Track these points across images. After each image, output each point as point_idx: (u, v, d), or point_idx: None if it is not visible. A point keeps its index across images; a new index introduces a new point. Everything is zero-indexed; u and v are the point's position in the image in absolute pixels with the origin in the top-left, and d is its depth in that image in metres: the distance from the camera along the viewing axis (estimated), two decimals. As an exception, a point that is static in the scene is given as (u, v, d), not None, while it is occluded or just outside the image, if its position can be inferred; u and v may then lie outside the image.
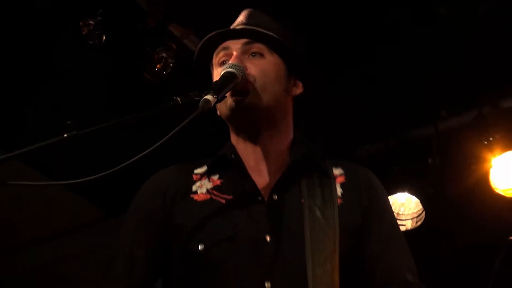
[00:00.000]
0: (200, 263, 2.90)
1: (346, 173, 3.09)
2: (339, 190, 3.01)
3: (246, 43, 3.11)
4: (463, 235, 5.90)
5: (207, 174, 3.14)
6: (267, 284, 2.78)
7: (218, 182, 3.10)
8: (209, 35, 3.17)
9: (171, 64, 4.87)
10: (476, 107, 5.73)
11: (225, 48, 3.14)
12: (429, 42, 5.29)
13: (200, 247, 2.89)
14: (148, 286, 3.04)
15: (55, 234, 7.34)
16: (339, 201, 2.96)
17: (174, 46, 4.94)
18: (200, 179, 3.13)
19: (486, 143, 5.55)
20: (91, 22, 4.63)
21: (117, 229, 7.10)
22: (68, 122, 2.67)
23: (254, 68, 3.04)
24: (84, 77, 4.92)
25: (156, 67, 4.85)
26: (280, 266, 2.82)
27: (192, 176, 3.15)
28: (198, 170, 3.17)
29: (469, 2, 5.04)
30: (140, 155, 2.65)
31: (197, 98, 2.79)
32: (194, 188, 3.09)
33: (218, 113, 3.17)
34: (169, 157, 3.28)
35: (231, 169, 3.12)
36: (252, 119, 3.08)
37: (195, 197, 3.05)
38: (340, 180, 3.06)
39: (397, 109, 5.60)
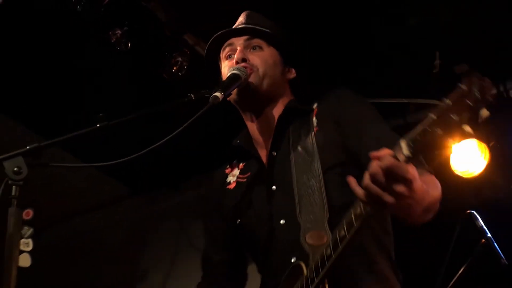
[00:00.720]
0: (242, 232, 3.12)
1: (319, 104, 3.11)
2: (315, 121, 3.04)
3: (247, 39, 3.18)
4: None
5: (234, 164, 3.29)
6: (282, 221, 2.92)
7: (242, 166, 3.25)
8: (216, 34, 3.23)
9: (185, 67, 4.88)
10: (439, 100, 5.73)
11: (230, 44, 3.20)
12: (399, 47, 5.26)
13: (238, 221, 3.11)
14: (230, 261, 3.27)
15: (92, 208, 7.35)
16: (315, 129, 3.00)
17: (188, 52, 4.96)
18: (231, 170, 3.28)
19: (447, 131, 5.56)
20: (118, 32, 4.64)
21: (140, 205, 7.14)
22: (100, 115, 2.71)
23: (256, 58, 3.12)
24: (113, 77, 4.92)
25: (173, 69, 4.86)
26: (285, 205, 2.93)
27: (225, 171, 3.30)
28: (228, 165, 3.32)
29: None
30: (160, 142, 2.73)
31: (207, 95, 2.84)
32: (228, 180, 3.26)
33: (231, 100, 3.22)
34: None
35: (244, 152, 3.23)
36: (256, 99, 3.14)
37: (229, 187, 3.23)
38: (315, 112, 3.08)
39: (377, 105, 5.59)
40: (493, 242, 4.10)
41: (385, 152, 2.21)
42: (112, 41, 4.61)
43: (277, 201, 2.98)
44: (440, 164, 5.56)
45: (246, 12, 3.33)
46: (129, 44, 4.65)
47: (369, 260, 2.82)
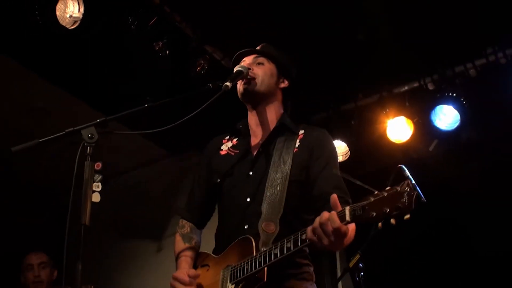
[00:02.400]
0: (218, 189, 3.09)
1: (305, 132, 3.07)
2: (297, 143, 3.01)
3: (255, 57, 3.18)
4: (371, 164, 5.88)
5: (230, 138, 3.25)
6: (248, 199, 2.91)
7: (235, 142, 3.21)
8: (238, 52, 3.24)
9: (205, 67, 4.87)
10: (379, 92, 5.71)
11: (244, 61, 3.19)
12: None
13: (218, 180, 3.08)
14: (204, 202, 3.24)
15: (137, 165, 7.34)
16: (295, 150, 2.97)
17: (208, 57, 4.96)
18: (227, 141, 3.24)
19: (384, 112, 5.55)
20: (160, 43, 4.64)
21: (174, 163, 7.09)
22: (148, 98, 2.71)
23: (257, 70, 3.12)
24: (156, 74, 4.90)
25: (197, 69, 4.87)
26: (254, 189, 2.92)
27: (223, 141, 3.26)
28: (227, 137, 3.27)
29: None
30: (188, 116, 2.76)
31: (221, 84, 2.86)
32: (222, 147, 3.22)
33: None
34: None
35: (242, 134, 3.20)
36: (253, 98, 3.13)
37: (221, 152, 3.19)
38: (300, 137, 3.05)
39: (334, 89, 5.55)
40: (416, 187, 4.08)
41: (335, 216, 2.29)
42: (156, 49, 4.60)
43: (250, 183, 2.96)
44: (380, 134, 5.55)
45: (263, 44, 3.30)
46: (167, 52, 4.64)
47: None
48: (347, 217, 2.25)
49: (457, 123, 5.27)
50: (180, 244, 3.15)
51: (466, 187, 5.46)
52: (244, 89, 3.06)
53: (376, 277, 4.10)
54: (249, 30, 4.59)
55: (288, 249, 2.49)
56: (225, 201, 3.05)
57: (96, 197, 2.33)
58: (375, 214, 2.14)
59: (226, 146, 3.21)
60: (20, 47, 4.75)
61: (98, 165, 2.39)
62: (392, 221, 2.09)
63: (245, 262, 2.65)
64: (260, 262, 2.58)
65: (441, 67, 5.38)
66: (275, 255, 2.53)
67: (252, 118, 3.18)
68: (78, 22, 4.11)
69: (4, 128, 5.73)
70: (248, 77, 3.05)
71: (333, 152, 3.06)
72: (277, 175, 2.88)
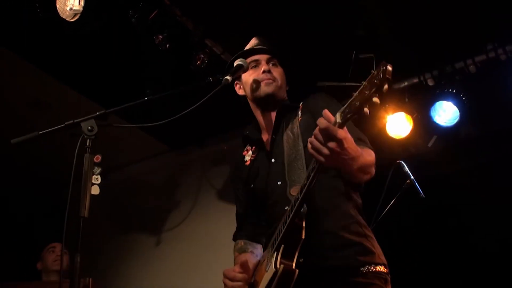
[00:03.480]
0: (254, 193, 3.10)
1: (304, 102, 3.06)
2: (299, 113, 3.00)
3: (269, 58, 3.16)
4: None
5: (247, 147, 3.25)
6: (279, 182, 2.88)
7: (253, 148, 3.21)
8: (249, 48, 3.23)
9: (205, 61, 4.86)
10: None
11: (256, 59, 3.15)
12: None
13: (252, 185, 3.10)
14: (250, 215, 3.23)
15: (138, 159, 7.35)
16: (299, 119, 2.96)
17: (208, 51, 4.94)
18: (247, 152, 3.23)
19: (384, 107, 5.54)
20: (160, 36, 4.62)
21: (174, 157, 7.11)
22: (148, 91, 2.70)
23: (275, 72, 3.12)
24: (156, 67, 4.91)
25: (197, 62, 4.85)
26: (279, 171, 2.90)
27: (243, 153, 3.25)
28: (245, 148, 3.27)
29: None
30: (187, 110, 2.73)
31: (221, 78, 2.85)
32: (245, 159, 3.21)
33: (242, 92, 3.24)
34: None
35: (253, 138, 3.22)
36: (273, 101, 3.11)
37: (246, 163, 3.19)
38: (301, 108, 3.04)
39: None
40: (414, 182, 4.10)
41: (324, 120, 2.28)
42: (156, 43, 4.60)
43: (275, 169, 2.96)
44: (379, 130, 5.55)
45: (257, 37, 3.28)
46: (168, 45, 4.63)
47: (335, 202, 2.79)
48: (338, 119, 2.24)
49: (457, 119, 5.26)
50: (235, 257, 3.14)
51: (465, 183, 5.46)
52: (273, 91, 3.08)
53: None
54: (250, 24, 4.58)
55: (304, 185, 2.48)
56: (264, 197, 3.03)
57: (95, 190, 2.33)
58: (358, 102, 2.12)
59: (248, 156, 3.21)
60: (21, 40, 4.76)
61: (97, 158, 2.40)
62: (375, 99, 2.08)
63: (281, 225, 2.65)
64: (288, 216, 2.58)
65: (441, 63, 5.36)
66: (296, 198, 2.53)
67: (262, 118, 3.18)
68: (78, 15, 4.11)
69: (5, 121, 5.74)
70: (270, 78, 3.07)
71: (331, 102, 2.99)
72: (291, 148, 2.89)
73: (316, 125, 2.64)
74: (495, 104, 5.27)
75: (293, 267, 2.53)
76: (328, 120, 2.27)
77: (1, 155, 5.75)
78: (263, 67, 3.10)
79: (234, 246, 3.20)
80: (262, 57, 3.15)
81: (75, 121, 2.48)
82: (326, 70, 5.23)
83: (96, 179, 2.35)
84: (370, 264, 2.66)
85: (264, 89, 3.06)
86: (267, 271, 2.66)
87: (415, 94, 5.55)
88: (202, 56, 4.85)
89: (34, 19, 4.31)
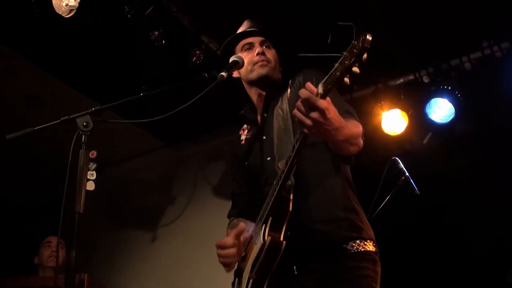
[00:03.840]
0: (249, 170, 3.14)
1: (292, 79, 3.07)
2: (289, 91, 3.01)
3: (263, 40, 3.16)
4: (366, 156, 5.86)
5: (243, 127, 3.29)
6: (268, 158, 2.93)
7: (248, 127, 3.25)
8: (241, 31, 3.22)
9: (201, 57, 4.86)
10: (374, 84, 5.71)
11: (249, 43, 3.16)
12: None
13: (246, 163, 3.14)
14: (247, 194, 3.24)
15: (133, 155, 7.34)
16: (288, 96, 2.98)
17: (203, 47, 4.95)
18: (243, 131, 3.27)
19: (379, 104, 5.55)
20: (156, 32, 4.62)
21: (169, 153, 7.10)
22: (143, 87, 2.71)
23: (269, 54, 3.12)
24: (152, 64, 4.92)
25: (193, 59, 4.85)
26: (269, 147, 2.93)
27: (240, 133, 3.28)
28: (240, 128, 3.30)
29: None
30: (182, 106, 2.76)
31: (216, 74, 2.85)
32: (241, 138, 3.25)
33: (237, 75, 3.20)
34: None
35: (248, 117, 3.24)
36: (267, 82, 3.11)
37: (242, 143, 3.23)
38: (290, 84, 3.05)
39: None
40: (409, 179, 4.10)
41: (306, 90, 2.29)
42: (152, 39, 4.60)
43: (266, 145, 2.99)
44: (374, 126, 5.56)
45: (249, 20, 3.28)
46: (163, 41, 4.63)
47: (323, 176, 2.80)
48: (320, 90, 2.25)
49: (452, 116, 5.28)
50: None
51: (460, 180, 5.47)
52: (267, 73, 3.08)
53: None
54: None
55: (289, 157, 2.50)
56: (256, 173, 3.07)
57: (90, 186, 2.34)
58: (339, 73, 2.15)
59: (243, 135, 3.25)
60: (16, 36, 4.76)
61: (93, 154, 2.41)
62: (355, 69, 2.10)
63: (268, 198, 2.68)
64: (275, 188, 2.61)
65: (436, 60, 5.38)
66: (282, 171, 2.55)
67: (256, 98, 3.19)
68: (74, 11, 4.11)
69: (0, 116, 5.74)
70: (265, 60, 3.08)
71: (317, 74, 2.96)
72: (282, 124, 2.90)
73: None
74: (491, 101, 5.28)
75: (281, 239, 2.57)
76: (311, 91, 2.28)
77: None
78: (257, 49, 3.11)
79: (228, 224, 3.24)
80: (256, 40, 3.16)
81: (70, 116, 2.49)
82: (320, 69, 5.22)
83: (92, 174, 2.36)
84: (357, 239, 2.68)
85: (259, 71, 3.07)
86: (255, 243, 2.70)
87: (410, 91, 5.56)
88: (198, 52, 4.86)
89: (30, 15, 4.30)
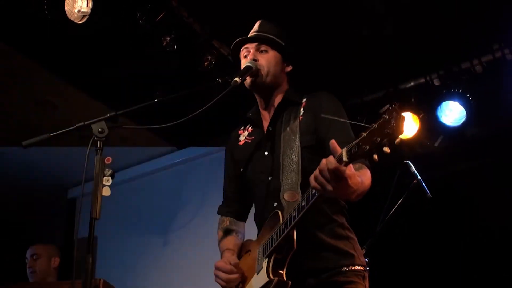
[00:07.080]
0: (244, 178, 3.15)
1: (307, 99, 3.06)
2: (301, 111, 3.00)
3: (257, 45, 3.14)
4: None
5: (245, 127, 3.29)
6: (269, 178, 2.94)
7: (250, 130, 3.25)
8: (236, 40, 3.21)
9: (213, 62, 4.88)
10: (385, 87, 5.71)
11: (246, 48, 3.17)
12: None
13: (241, 169, 3.14)
14: (238, 193, 3.29)
15: (148, 159, 7.38)
16: (301, 117, 2.97)
17: (215, 52, 4.96)
18: (243, 131, 3.27)
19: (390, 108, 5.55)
20: (168, 38, 4.64)
21: (180, 157, 7.10)
22: (157, 92, 2.72)
23: (262, 59, 3.10)
24: (164, 68, 4.93)
25: (205, 63, 4.87)
26: (272, 165, 2.96)
27: (239, 132, 3.30)
28: (242, 127, 3.31)
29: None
30: (196, 112, 2.76)
31: (230, 80, 2.88)
32: (240, 138, 3.26)
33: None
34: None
35: (254, 121, 3.23)
36: (261, 89, 3.13)
37: (240, 143, 3.24)
38: (303, 105, 3.04)
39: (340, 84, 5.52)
40: (421, 182, 4.10)
41: (333, 159, 2.26)
42: (164, 44, 4.61)
43: (267, 162, 2.99)
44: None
45: (260, 21, 3.27)
46: (175, 47, 4.64)
47: (324, 222, 2.84)
48: (344, 158, 2.22)
49: (463, 119, 5.27)
50: (221, 238, 3.20)
51: (471, 183, 5.46)
52: (251, 81, 3.06)
53: (381, 273, 4.10)
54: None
55: (303, 207, 2.49)
56: (252, 186, 3.08)
57: (106, 191, 2.35)
58: (368, 147, 2.10)
59: (243, 136, 3.24)
60: (29, 41, 4.78)
61: (108, 159, 2.41)
62: (386, 149, 2.04)
63: (273, 233, 2.68)
64: (283, 229, 2.60)
65: (447, 63, 5.37)
66: (294, 217, 2.54)
67: (261, 104, 3.20)
68: (87, 17, 4.13)
69: (13, 122, 5.77)
70: (258, 76, 3.06)
71: (334, 106, 3.00)
72: (289, 146, 2.90)
73: (315, 126, 2.83)
74: (501, 104, 5.27)
75: (284, 277, 2.62)
76: (334, 151, 2.28)
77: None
78: (249, 56, 3.11)
79: (219, 221, 3.28)
80: (251, 46, 3.16)
81: (85, 123, 2.49)
82: (331, 73, 5.24)
83: (107, 180, 2.37)
84: (348, 266, 2.77)
85: (246, 81, 3.07)
86: (257, 274, 2.75)
87: (421, 94, 5.55)
88: (209, 57, 4.87)
89: (40, 19, 4.32)
